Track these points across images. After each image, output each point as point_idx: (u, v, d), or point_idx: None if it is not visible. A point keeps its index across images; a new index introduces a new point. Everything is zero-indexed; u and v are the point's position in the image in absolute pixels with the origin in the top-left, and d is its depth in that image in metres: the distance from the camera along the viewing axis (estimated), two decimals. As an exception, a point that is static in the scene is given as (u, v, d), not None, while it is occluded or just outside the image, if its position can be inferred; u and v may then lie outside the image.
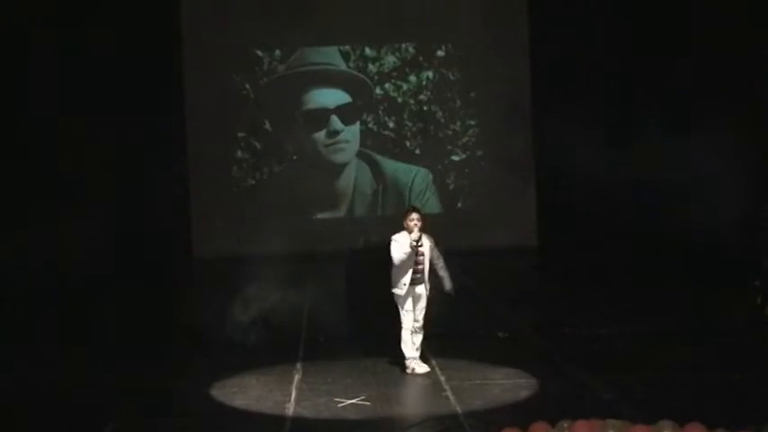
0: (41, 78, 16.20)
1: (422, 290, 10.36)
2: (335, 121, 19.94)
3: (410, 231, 10.15)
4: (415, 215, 10.29)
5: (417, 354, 10.40)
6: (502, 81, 19.69)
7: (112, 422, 8.98)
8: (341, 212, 19.92)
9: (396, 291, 10.35)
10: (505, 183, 19.54)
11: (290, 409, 9.27)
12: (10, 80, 15.76)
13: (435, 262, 10.39)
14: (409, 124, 20.22)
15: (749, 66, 15.68)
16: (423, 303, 10.39)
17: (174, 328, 12.74)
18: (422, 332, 10.40)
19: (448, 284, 10.40)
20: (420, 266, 10.29)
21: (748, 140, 15.08)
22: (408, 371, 10.35)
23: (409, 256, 10.18)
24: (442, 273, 10.40)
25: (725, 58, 15.88)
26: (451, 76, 20.22)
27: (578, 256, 16.21)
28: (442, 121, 20.28)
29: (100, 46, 16.86)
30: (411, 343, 10.38)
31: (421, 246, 10.21)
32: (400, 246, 10.17)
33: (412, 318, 10.35)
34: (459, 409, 9.12)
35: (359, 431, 8.73)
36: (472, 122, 20.27)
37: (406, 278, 10.26)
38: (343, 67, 20.00)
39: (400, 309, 10.38)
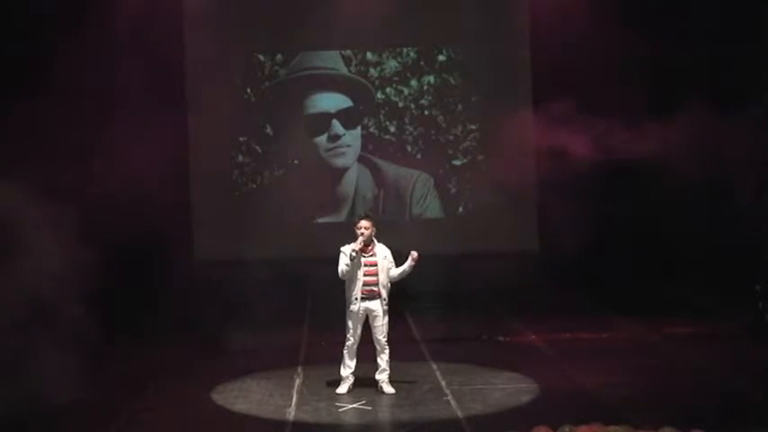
0: (41, 79, 16.17)
1: (377, 305, 9.69)
2: (337, 126, 19.94)
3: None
4: (362, 223, 9.63)
5: (385, 375, 9.88)
6: (503, 86, 19.70)
7: (113, 425, 8.97)
8: (342, 217, 19.88)
9: (350, 308, 9.68)
10: (506, 187, 19.52)
11: (290, 414, 9.26)
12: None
13: (392, 275, 9.70)
14: (410, 129, 20.22)
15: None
16: (380, 321, 9.72)
17: (174, 332, 12.72)
18: (387, 350, 9.80)
19: (408, 262, 9.58)
20: (372, 278, 9.63)
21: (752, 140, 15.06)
22: (339, 390, 9.82)
23: (354, 267, 9.57)
24: (400, 270, 9.66)
25: (723, 58, 15.88)
26: (453, 81, 20.22)
27: (579, 261, 16.18)
28: (444, 125, 20.28)
29: (100, 47, 16.81)
30: (346, 365, 9.85)
31: (373, 256, 9.63)
32: (344, 257, 9.57)
33: (357, 338, 9.74)
34: (459, 414, 9.11)
35: (360, 436, 8.75)
36: (473, 127, 20.27)
37: (357, 291, 9.62)
38: (344, 71, 20.00)
39: (347, 326, 9.76)
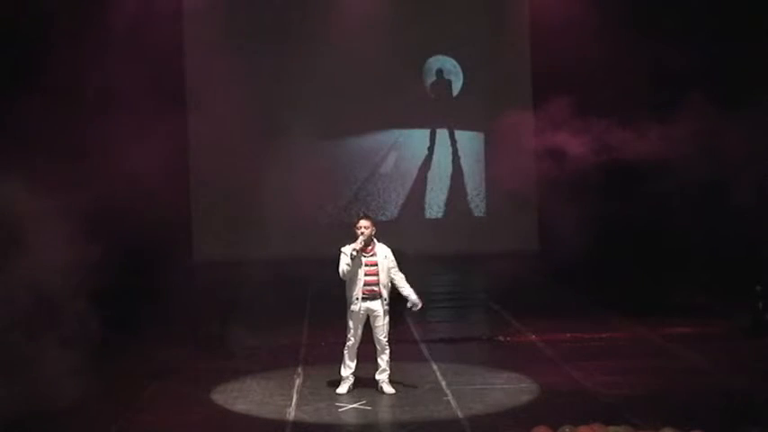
0: (39, 79, 16.16)
1: (378, 306, 9.63)
2: (337, 125, 19.94)
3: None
4: (362, 222, 9.60)
5: (386, 375, 9.81)
6: (503, 86, 19.71)
7: (113, 425, 8.97)
8: (342, 217, 19.89)
9: (351, 308, 9.63)
10: (507, 187, 19.53)
11: (290, 414, 9.26)
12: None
13: (393, 277, 9.67)
14: (411, 129, 20.30)
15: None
16: (382, 321, 9.67)
17: (174, 332, 12.72)
18: (387, 351, 9.77)
19: (414, 300, 9.70)
20: (373, 278, 9.59)
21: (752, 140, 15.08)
22: (339, 390, 9.80)
23: (355, 266, 9.53)
24: (406, 291, 9.69)
25: (723, 58, 15.90)
26: (453, 81, 20.23)
27: (579, 261, 16.20)
28: (444, 125, 20.33)
29: (101, 47, 16.82)
30: (347, 364, 9.82)
31: (373, 255, 9.60)
32: (345, 257, 9.53)
33: (357, 337, 9.70)
34: (460, 414, 9.11)
35: (359, 436, 8.75)
36: (474, 127, 20.30)
37: (358, 291, 9.57)
38: (345, 71, 19.95)
39: (347, 326, 9.73)
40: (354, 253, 9.53)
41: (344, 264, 9.55)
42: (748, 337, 11.98)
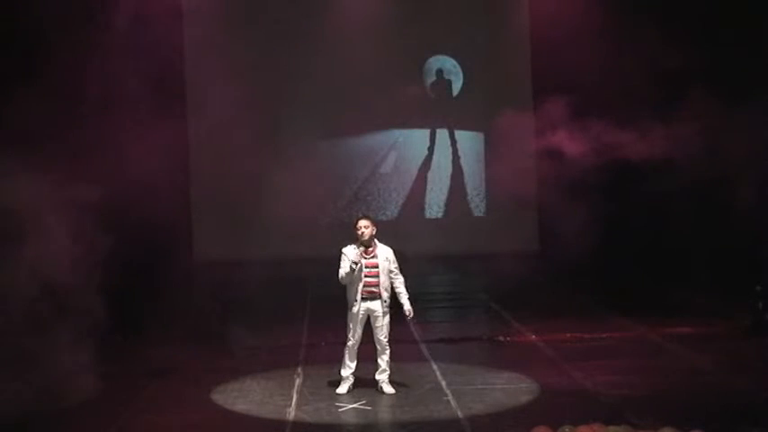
0: (39, 79, 16.15)
1: (378, 306, 9.61)
2: (337, 126, 19.93)
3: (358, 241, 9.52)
4: (362, 222, 9.56)
5: (385, 375, 9.81)
6: (503, 87, 19.71)
7: (113, 425, 8.97)
8: (342, 217, 19.89)
9: (351, 309, 9.61)
10: (507, 188, 19.53)
11: (290, 414, 9.26)
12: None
13: (393, 279, 9.65)
14: (411, 129, 20.30)
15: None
16: (382, 321, 9.65)
17: (174, 332, 12.71)
18: (387, 351, 9.76)
19: (406, 308, 9.67)
20: (373, 279, 9.56)
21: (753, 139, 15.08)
22: (339, 390, 9.79)
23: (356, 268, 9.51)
24: (403, 298, 9.67)
25: (724, 57, 15.90)
26: (453, 82, 20.24)
27: (580, 262, 16.20)
28: (445, 126, 20.32)
29: (101, 47, 16.81)
30: (347, 365, 9.82)
31: (374, 257, 9.56)
32: (346, 258, 9.48)
33: (357, 338, 9.70)
34: (460, 414, 9.11)
35: (359, 436, 8.74)
36: (474, 128, 20.30)
37: (358, 293, 9.54)
38: (345, 71, 19.96)
39: (348, 327, 9.72)
40: (354, 265, 9.46)
41: (344, 270, 9.54)
42: (748, 337, 11.98)
